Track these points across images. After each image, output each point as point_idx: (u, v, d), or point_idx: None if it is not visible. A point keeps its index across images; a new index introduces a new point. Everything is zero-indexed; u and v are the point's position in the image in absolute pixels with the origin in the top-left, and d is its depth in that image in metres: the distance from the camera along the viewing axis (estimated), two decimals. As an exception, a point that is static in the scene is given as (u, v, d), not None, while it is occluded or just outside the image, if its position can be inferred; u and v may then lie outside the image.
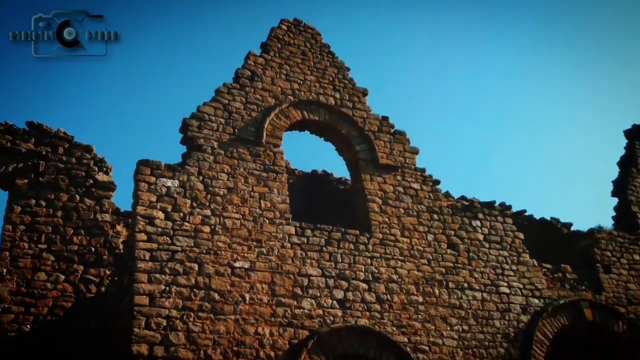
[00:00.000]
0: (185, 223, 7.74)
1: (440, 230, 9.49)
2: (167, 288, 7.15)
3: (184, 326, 6.99)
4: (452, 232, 9.58)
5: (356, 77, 10.64)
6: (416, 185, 9.80)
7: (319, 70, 10.40)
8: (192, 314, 7.11)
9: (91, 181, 8.99)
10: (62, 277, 8.22)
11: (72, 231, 8.56)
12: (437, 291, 8.82)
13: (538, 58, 34.70)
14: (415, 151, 10.22)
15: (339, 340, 7.75)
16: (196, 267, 7.47)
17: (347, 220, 9.30)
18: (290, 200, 8.65)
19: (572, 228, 12.40)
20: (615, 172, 12.88)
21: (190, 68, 31.21)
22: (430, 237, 9.32)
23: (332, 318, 7.88)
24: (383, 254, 8.77)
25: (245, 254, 7.84)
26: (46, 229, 8.42)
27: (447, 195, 10.07)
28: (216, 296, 7.36)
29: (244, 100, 9.31)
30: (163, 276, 7.21)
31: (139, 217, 7.53)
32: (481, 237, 9.80)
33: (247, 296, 7.53)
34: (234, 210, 8.13)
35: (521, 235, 10.20)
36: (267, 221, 8.25)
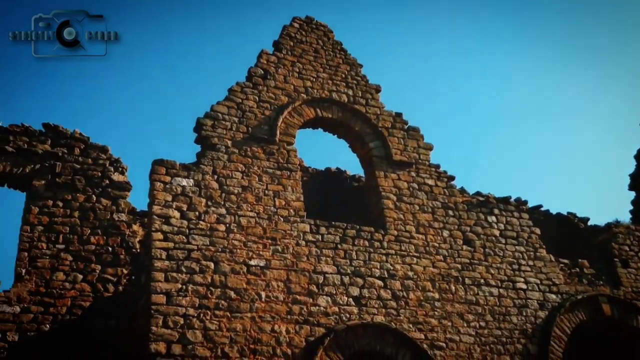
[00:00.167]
0: (201, 222, 7.78)
1: (456, 227, 9.45)
2: (184, 286, 7.19)
3: (201, 324, 7.03)
4: (468, 228, 9.53)
5: (369, 73, 10.64)
6: (431, 182, 9.76)
7: (331, 68, 10.39)
8: (208, 312, 7.15)
9: (107, 181, 9.05)
10: (80, 276, 8.28)
11: (89, 231, 8.63)
12: (453, 287, 8.79)
13: (554, 52, 34.36)
14: (429, 147, 10.18)
15: (355, 338, 7.75)
16: (212, 265, 7.50)
17: (362, 218, 9.29)
18: (304, 198, 8.66)
19: (589, 223, 12.26)
20: (632, 165, 12.73)
21: (201, 68, 31.30)
22: (445, 233, 9.29)
23: (348, 315, 7.87)
24: (398, 250, 8.75)
25: (261, 252, 7.86)
26: (64, 229, 8.49)
27: (462, 191, 10.01)
28: (232, 294, 7.40)
29: (257, 98, 9.32)
30: (179, 275, 7.26)
31: (155, 217, 7.58)
32: (497, 232, 9.75)
33: (263, 294, 7.55)
34: (249, 209, 8.16)
35: (538, 231, 10.13)
36: (282, 219, 8.26)
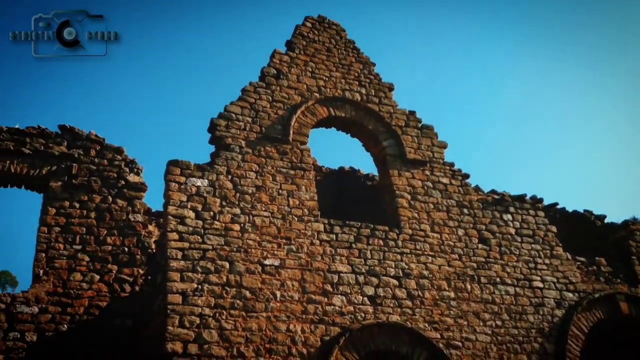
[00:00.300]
0: (216, 222, 7.81)
1: (471, 225, 9.39)
2: (199, 286, 7.23)
3: (217, 324, 7.06)
4: (483, 227, 9.47)
5: (382, 72, 10.60)
6: (445, 180, 9.71)
7: (344, 67, 10.38)
8: (224, 311, 7.18)
9: (123, 182, 9.13)
10: (97, 277, 8.35)
11: (105, 232, 8.70)
12: (469, 286, 8.74)
13: (569, 50, 34.02)
14: (443, 145, 10.13)
15: (370, 337, 7.74)
16: (227, 265, 7.53)
17: (376, 217, 9.26)
18: (318, 197, 8.66)
19: (606, 220, 12.12)
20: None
21: (209, 67, 31.41)
22: (460, 231, 9.24)
23: (363, 314, 7.86)
24: (413, 249, 8.72)
25: (275, 252, 7.87)
26: (80, 230, 8.58)
27: (477, 189, 9.94)
28: (247, 294, 7.42)
29: (270, 98, 9.34)
30: (195, 274, 7.29)
31: (170, 217, 7.62)
32: (513, 231, 9.67)
33: (278, 293, 7.56)
34: (263, 208, 8.17)
35: (554, 229, 10.04)
36: (296, 218, 8.27)
